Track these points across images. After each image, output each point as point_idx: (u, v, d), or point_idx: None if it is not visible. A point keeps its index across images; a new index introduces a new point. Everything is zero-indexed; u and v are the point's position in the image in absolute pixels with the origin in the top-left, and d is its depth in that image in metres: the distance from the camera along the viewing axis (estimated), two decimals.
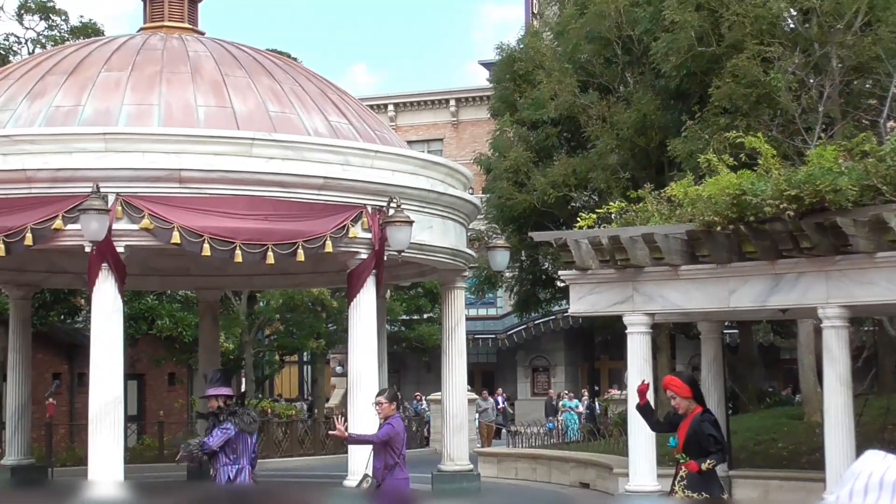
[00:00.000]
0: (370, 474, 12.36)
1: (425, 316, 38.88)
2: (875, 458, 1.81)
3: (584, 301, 16.41)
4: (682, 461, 11.44)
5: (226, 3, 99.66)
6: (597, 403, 38.10)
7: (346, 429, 12.97)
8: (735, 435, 19.69)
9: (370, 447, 12.42)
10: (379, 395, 12.59)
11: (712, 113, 20.94)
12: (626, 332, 16.14)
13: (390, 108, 50.83)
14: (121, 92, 17.33)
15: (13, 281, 22.10)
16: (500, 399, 38.65)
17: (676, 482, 11.47)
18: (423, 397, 38.17)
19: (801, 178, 13.67)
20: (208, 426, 13.00)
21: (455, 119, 50.35)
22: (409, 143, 37.51)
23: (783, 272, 14.59)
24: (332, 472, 21.22)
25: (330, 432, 14.20)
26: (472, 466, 20.90)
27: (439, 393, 22.67)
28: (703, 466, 11.22)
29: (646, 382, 12.50)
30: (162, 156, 16.07)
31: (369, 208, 16.94)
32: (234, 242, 15.96)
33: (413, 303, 36.99)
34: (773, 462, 18.47)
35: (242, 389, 13.98)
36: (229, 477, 12.51)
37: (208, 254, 16.04)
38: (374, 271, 17.19)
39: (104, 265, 15.81)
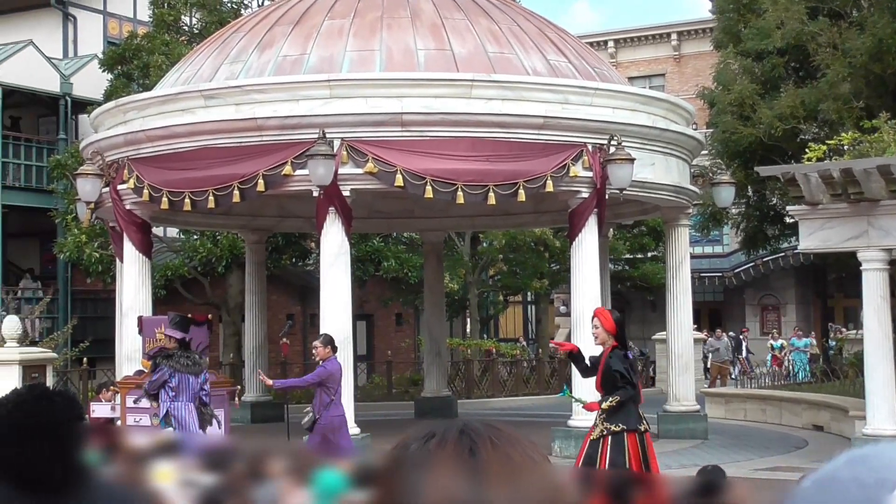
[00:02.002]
0: (313, 410, 13.79)
1: (649, 254, 38.47)
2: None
3: (815, 237, 15.93)
4: (581, 404, 11.84)
5: None
6: (830, 342, 37.03)
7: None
8: None
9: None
10: (316, 340, 14.17)
11: None
12: (861, 268, 15.60)
13: (610, 44, 50.16)
14: (344, 39, 17.67)
15: (248, 226, 22.98)
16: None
17: (598, 415, 11.61)
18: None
19: None
20: (152, 364, 14.67)
21: (677, 53, 49.31)
22: (630, 79, 37.00)
23: None
24: (555, 411, 21.33)
25: (259, 378, 15.94)
26: (698, 407, 20.65)
27: (664, 332, 22.44)
28: (604, 405, 11.42)
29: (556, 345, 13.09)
30: (384, 100, 16.34)
31: (590, 146, 16.82)
32: (455, 184, 16.13)
33: (636, 241, 36.65)
34: None
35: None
36: (167, 411, 13.83)
37: (431, 196, 16.27)
38: (595, 210, 17.10)
39: (331, 209, 16.25)
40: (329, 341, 14.04)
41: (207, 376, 14.40)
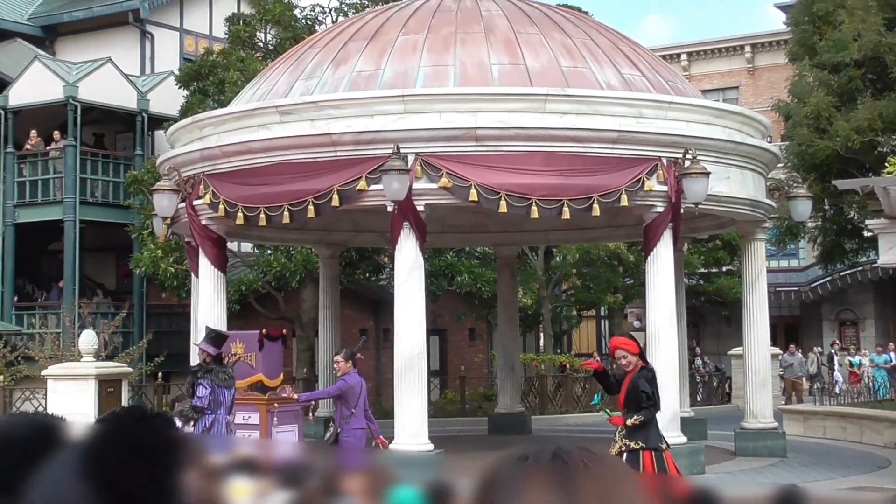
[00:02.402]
0: (334, 424, 14.31)
1: (724, 269, 38.10)
2: None
3: (895, 251, 15.67)
4: (607, 417, 11.97)
5: None
6: None
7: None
8: None
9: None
10: (337, 354, 14.63)
11: None
12: None
13: (683, 57, 49.84)
14: (418, 54, 17.71)
15: (322, 241, 23.10)
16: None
17: (618, 431, 11.75)
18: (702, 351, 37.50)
19: None
20: (189, 379, 15.11)
21: (750, 66, 48.86)
22: (704, 92, 36.73)
23: None
24: None
25: (282, 395, 16.31)
26: (776, 424, 20.37)
27: (740, 348, 22.18)
28: (629, 422, 11.57)
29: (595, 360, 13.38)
30: (458, 115, 16.34)
31: (664, 160, 16.70)
32: (529, 198, 16.08)
33: (711, 255, 36.31)
34: None
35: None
36: (205, 426, 14.26)
37: (505, 210, 16.24)
38: (670, 224, 16.97)
39: (405, 223, 16.27)
40: (350, 356, 14.40)
41: (235, 388, 15.00)
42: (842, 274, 41.76)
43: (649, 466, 11.38)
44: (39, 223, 30.79)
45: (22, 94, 30.56)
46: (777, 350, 30.85)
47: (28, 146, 31.05)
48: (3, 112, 30.70)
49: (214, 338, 15.06)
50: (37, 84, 30.40)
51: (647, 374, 11.77)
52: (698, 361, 37.22)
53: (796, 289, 44.91)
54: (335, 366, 14.47)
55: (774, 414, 20.80)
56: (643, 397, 11.59)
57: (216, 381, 14.42)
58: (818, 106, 24.58)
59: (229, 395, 14.59)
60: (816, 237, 28.26)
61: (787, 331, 45.44)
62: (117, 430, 2.44)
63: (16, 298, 31.03)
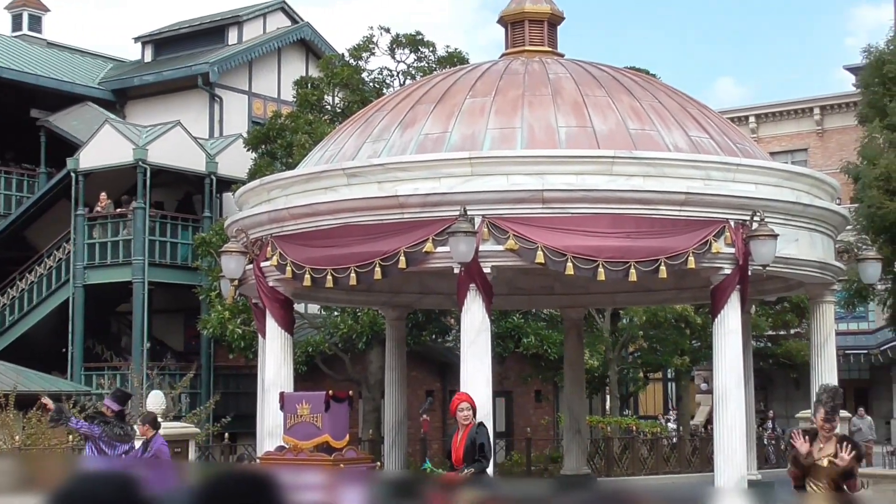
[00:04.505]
0: None
1: (792, 331, 37.72)
2: None
3: None
4: (435, 474, 13.09)
5: (585, 26, 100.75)
6: None
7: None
8: None
9: None
10: (139, 418, 15.85)
11: None
12: None
13: (752, 119, 49.71)
14: (485, 117, 17.80)
15: (389, 302, 23.13)
16: None
17: None
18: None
19: None
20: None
21: (820, 128, 48.60)
22: (772, 154, 36.60)
23: None
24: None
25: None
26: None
27: (808, 410, 21.84)
28: (463, 474, 12.81)
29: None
30: (525, 177, 16.37)
31: (732, 223, 16.60)
32: (596, 260, 16.04)
33: (779, 318, 35.94)
34: None
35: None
36: None
37: (572, 272, 16.20)
38: (738, 287, 16.82)
39: (472, 286, 16.27)
40: (150, 420, 15.38)
41: (134, 444, 15.91)
42: None
43: None
44: (109, 284, 31.19)
45: (92, 156, 31.12)
46: (846, 413, 30.35)
47: (98, 208, 31.55)
48: (74, 175, 31.28)
49: (120, 396, 16.40)
50: (107, 147, 30.94)
51: (483, 429, 13.06)
52: (768, 424, 36.73)
53: (865, 352, 44.32)
54: (138, 431, 15.61)
55: None
56: (479, 449, 12.74)
57: (109, 433, 15.44)
58: (888, 168, 24.37)
59: (120, 449, 15.52)
60: (886, 300, 27.92)
61: (856, 394, 44.73)
62: (220, 488, 2.53)
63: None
